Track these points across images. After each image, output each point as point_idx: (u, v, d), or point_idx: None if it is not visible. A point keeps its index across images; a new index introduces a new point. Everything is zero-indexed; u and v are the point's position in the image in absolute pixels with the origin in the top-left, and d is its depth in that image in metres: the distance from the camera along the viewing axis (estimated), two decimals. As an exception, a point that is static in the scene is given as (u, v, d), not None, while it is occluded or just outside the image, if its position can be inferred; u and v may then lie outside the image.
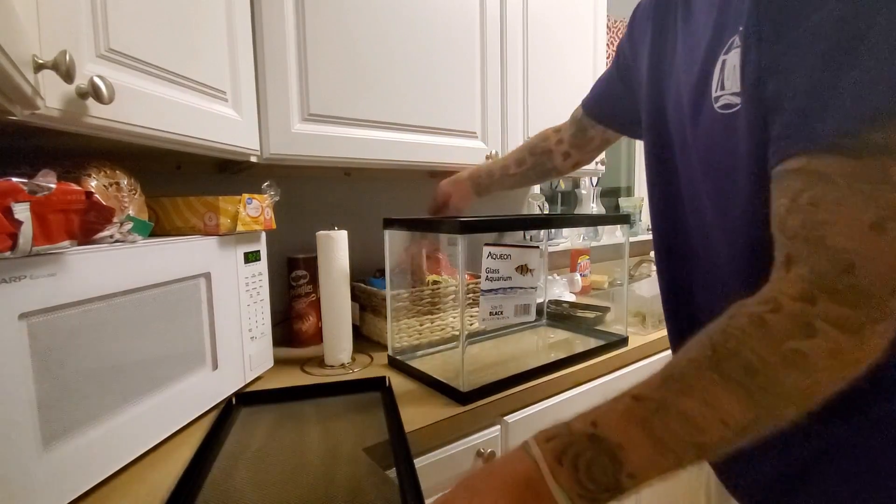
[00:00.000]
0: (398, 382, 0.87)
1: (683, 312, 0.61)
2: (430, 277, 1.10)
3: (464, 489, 0.41)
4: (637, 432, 0.37)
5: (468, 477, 0.42)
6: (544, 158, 0.95)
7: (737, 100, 0.43)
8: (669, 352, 1.17)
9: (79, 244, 0.53)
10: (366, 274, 1.21)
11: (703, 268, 0.55)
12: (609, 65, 0.80)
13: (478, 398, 0.80)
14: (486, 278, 0.81)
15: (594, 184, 1.89)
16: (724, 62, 0.44)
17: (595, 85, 0.84)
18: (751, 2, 0.39)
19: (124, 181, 0.68)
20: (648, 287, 1.31)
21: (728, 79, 0.43)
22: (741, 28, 0.41)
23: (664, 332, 1.17)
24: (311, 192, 1.21)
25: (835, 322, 0.34)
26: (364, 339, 1.13)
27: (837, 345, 0.34)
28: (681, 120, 0.53)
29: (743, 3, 0.41)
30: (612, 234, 2.03)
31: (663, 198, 0.60)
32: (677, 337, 0.63)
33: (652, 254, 1.80)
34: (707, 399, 0.35)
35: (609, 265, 1.97)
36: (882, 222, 0.33)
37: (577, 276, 1.60)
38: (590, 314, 1.25)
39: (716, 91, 0.45)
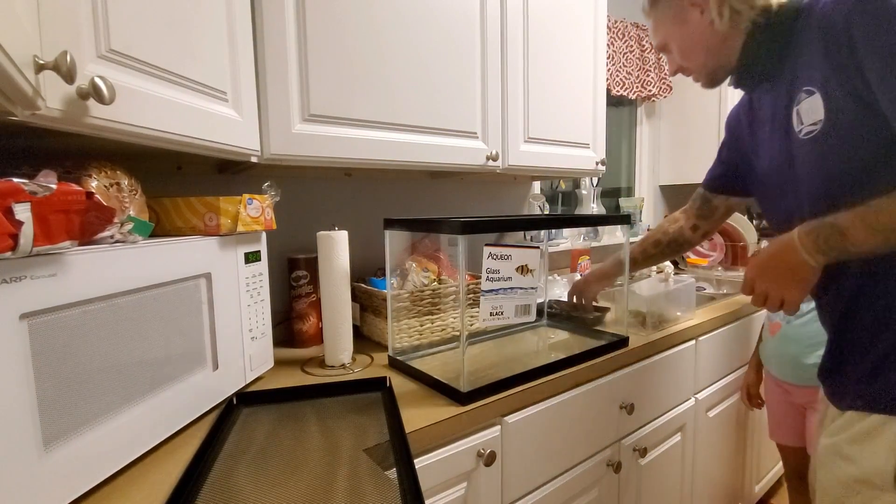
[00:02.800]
0: (399, 383, 0.87)
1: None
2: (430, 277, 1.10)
3: (756, 256, 0.74)
4: (858, 222, 0.62)
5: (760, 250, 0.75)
6: (677, 235, 1.12)
7: (815, 128, 0.67)
8: (670, 352, 1.17)
9: (79, 244, 0.53)
10: (366, 274, 1.21)
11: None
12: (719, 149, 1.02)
13: (478, 398, 0.80)
14: (487, 279, 0.81)
15: (595, 184, 1.89)
16: (797, 111, 0.70)
17: (710, 169, 1.04)
18: (818, 59, 0.65)
19: (125, 181, 0.68)
20: (648, 287, 1.31)
21: (805, 116, 0.68)
22: (806, 87, 0.68)
23: (664, 333, 1.18)
24: (312, 193, 1.21)
25: None
26: (364, 340, 1.13)
27: None
28: (771, 157, 0.79)
29: (804, 70, 0.68)
30: (613, 235, 2.03)
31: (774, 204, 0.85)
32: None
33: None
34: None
35: (609, 265, 1.97)
36: None
37: (578, 277, 1.60)
38: (590, 315, 1.25)
39: (797, 127, 0.70)
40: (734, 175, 0.96)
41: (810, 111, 0.67)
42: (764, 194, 0.86)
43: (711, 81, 0.83)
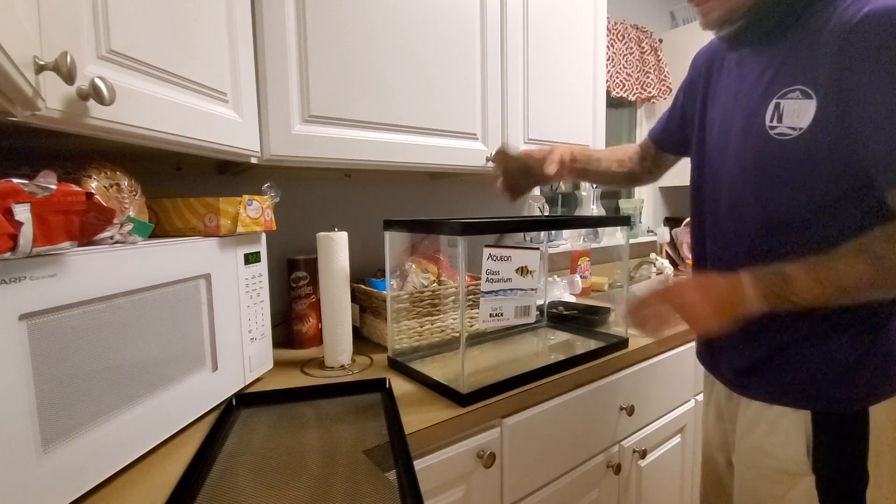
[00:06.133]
0: (398, 384, 0.87)
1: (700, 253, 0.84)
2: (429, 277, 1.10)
3: (681, 286, 0.69)
4: (807, 276, 0.60)
5: (683, 281, 0.70)
6: (637, 167, 1.04)
7: (792, 132, 0.63)
8: (670, 353, 1.17)
9: (79, 245, 0.53)
10: (366, 275, 1.21)
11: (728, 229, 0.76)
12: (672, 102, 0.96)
13: (478, 400, 0.80)
14: (487, 280, 0.81)
15: (594, 185, 1.89)
16: (778, 104, 0.64)
17: (662, 118, 0.98)
18: (830, 68, 0.58)
19: (125, 182, 0.68)
20: (649, 289, 1.31)
21: (786, 116, 0.63)
22: (801, 86, 0.62)
23: (664, 334, 1.17)
24: (312, 194, 1.21)
25: None
26: (364, 341, 1.13)
27: None
28: (726, 136, 0.74)
29: (808, 66, 0.61)
30: (613, 236, 2.03)
31: (697, 189, 0.83)
32: (696, 266, 0.86)
33: (652, 255, 1.79)
34: (849, 263, 0.59)
35: (609, 267, 1.97)
36: None
37: (578, 278, 1.60)
38: (590, 316, 1.25)
39: (771, 121, 0.65)
40: (686, 130, 0.89)
41: (795, 113, 0.62)
42: (701, 167, 0.81)
43: (722, 20, 0.70)
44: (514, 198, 0.99)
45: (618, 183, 1.08)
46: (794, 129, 0.62)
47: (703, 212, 0.80)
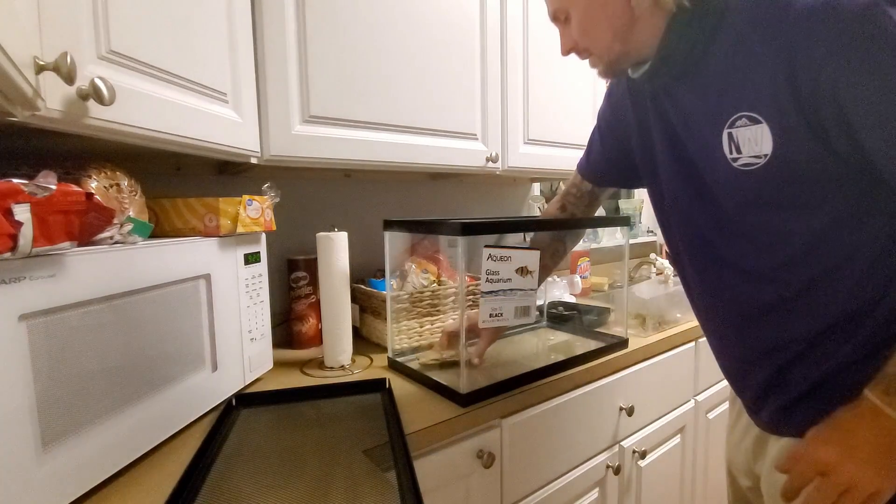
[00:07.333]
0: (398, 384, 0.87)
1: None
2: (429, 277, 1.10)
3: (815, 461, 0.56)
4: None
5: (810, 452, 0.57)
6: (572, 216, 0.98)
7: (758, 161, 0.56)
8: (670, 353, 1.17)
9: (79, 245, 0.53)
10: (366, 275, 1.21)
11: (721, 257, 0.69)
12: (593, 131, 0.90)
13: (478, 400, 0.80)
14: (486, 280, 0.81)
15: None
16: (730, 134, 0.58)
17: (591, 160, 0.91)
18: (770, 93, 0.53)
19: (124, 182, 0.68)
20: (649, 289, 1.31)
21: (744, 146, 0.57)
22: (746, 112, 0.56)
23: (664, 334, 1.18)
24: (312, 194, 1.21)
25: None
26: (364, 341, 1.13)
27: None
28: (689, 174, 0.67)
29: (743, 89, 0.56)
30: (613, 236, 2.03)
31: (664, 214, 0.76)
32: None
33: (652, 255, 1.79)
34: None
35: (609, 267, 1.97)
36: None
37: (577, 278, 1.60)
38: (590, 316, 1.25)
39: (731, 154, 0.59)
40: (624, 166, 0.83)
41: (751, 141, 0.56)
42: (661, 196, 0.74)
43: (611, 71, 0.68)
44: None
45: (562, 255, 1.01)
46: (758, 157, 0.57)
47: (677, 240, 0.74)
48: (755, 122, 0.56)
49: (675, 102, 0.66)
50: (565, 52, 0.69)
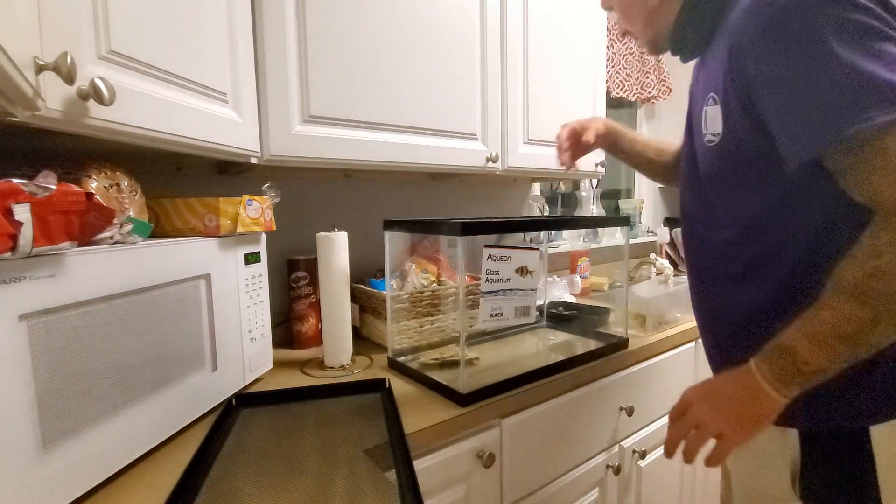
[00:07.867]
0: (398, 384, 0.87)
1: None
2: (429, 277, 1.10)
3: (689, 407, 0.62)
4: (801, 337, 0.54)
5: (687, 398, 0.64)
6: (671, 163, 0.97)
7: (715, 139, 0.63)
8: (670, 353, 1.17)
9: (79, 245, 0.53)
10: (366, 275, 1.21)
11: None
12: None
13: (477, 400, 0.80)
14: (486, 280, 0.81)
15: (594, 186, 1.90)
16: (705, 112, 0.65)
17: None
18: (727, 69, 0.58)
19: (124, 182, 0.68)
20: (649, 289, 1.31)
21: (711, 124, 0.64)
22: (713, 93, 0.62)
23: (664, 334, 1.18)
24: (312, 194, 1.21)
25: None
26: (364, 341, 1.13)
27: None
28: (691, 144, 0.73)
29: (718, 75, 0.60)
30: (612, 236, 2.03)
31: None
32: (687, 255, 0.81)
33: (652, 255, 1.80)
34: (832, 307, 0.52)
35: (609, 267, 1.97)
36: None
37: (577, 278, 1.60)
38: (590, 316, 1.25)
39: (704, 130, 0.66)
40: None
41: (713, 120, 0.63)
42: (681, 176, 0.79)
43: (653, 49, 0.77)
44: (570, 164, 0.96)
45: (650, 171, 1.02)
46: (715, 135, 0.63)
47: (683, 203, 0.78)
48: (715, 102, 0.62)
49: (696, 79, 0.74)
50: (621, 34, 0.81)
